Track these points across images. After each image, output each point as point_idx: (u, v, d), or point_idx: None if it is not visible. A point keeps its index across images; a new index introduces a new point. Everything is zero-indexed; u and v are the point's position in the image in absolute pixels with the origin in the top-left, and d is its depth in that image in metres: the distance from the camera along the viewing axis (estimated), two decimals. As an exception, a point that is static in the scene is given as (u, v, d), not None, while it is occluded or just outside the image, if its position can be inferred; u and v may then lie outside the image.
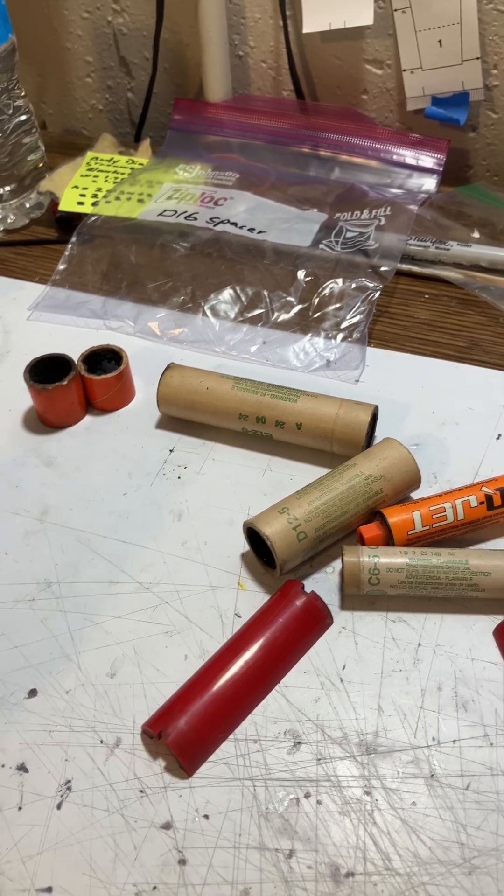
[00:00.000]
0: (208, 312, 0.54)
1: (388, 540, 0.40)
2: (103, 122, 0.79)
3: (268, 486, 0.44)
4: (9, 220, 0.64)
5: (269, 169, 0.66)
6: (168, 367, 0.47)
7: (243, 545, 0.42)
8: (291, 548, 0.38)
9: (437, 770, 0.33)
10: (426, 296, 0.56)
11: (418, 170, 0.65)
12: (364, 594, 0.38)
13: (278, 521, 0.39)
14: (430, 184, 0.64)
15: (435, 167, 0.65)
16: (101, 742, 0.35)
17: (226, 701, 0.35)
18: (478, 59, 0.61)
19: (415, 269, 0.57)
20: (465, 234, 0.59)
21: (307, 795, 0.33)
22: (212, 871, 0.31)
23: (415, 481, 0.41)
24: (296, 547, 0.38)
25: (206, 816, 0.33)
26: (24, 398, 0.50)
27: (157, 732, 0.34)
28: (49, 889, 0.31)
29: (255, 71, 0.71)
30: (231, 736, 0.35)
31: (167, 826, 0.32)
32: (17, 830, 0.33)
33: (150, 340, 0.53)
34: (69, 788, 0.34)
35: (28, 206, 0.64)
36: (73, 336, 0.54)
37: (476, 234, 0.60)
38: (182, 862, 0.32)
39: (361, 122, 0.67)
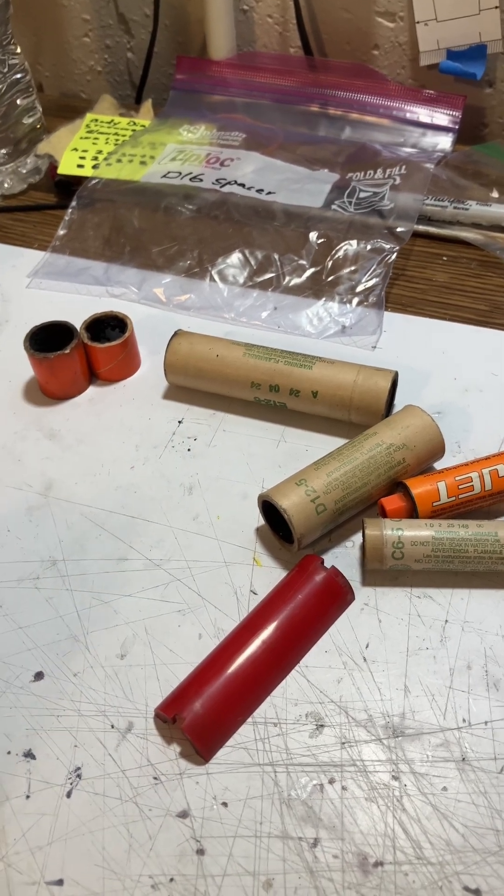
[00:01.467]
0: (216, 277, 0.51)
1: (412, 512, 0.37)
2: (102, 84, 0.76)
3: (282, 457, 0.42)
4: (5, 186, 0.61)
5: (277, 129, 0.63)
6: (175, 333, 0.44)
7: (258, 519, 0.40)
8: (310, 521, 0.36)
9: (468, 753, 0.32)
10: (444, 258, 0.53)
11: (433, 128, 0.62)
12: (387, 569, 0.36)
13: (296, 493, 0.37)
14: (445, 142, 0.62)
15: (450, 125, 0.62)
16: (112, 727, 0.33)
17: (243, 682, 0.33)
18: (496, 7, 0.58)
19: (432, 230, 0.54)
20: (483, 194, 0.57)
21: (331, 781, 0.31)
22: (232, 862, 0.30)
23: (439, 450, 0.39)
24: (314, 520, 0.36)
25: (225, 804, 0.31)
26: (24, 369, 0.48)
27: (171, 716, 0.32)
28: (60, 882, 0.29)
29: (260, 26, 0.67)
30: (249, 719, 0.33)
31: (184, 814, 0.31)
32: (25, 820, 0.31)
33: (155, 307, 0.51)
34: (79, 776, 0.32)
35: (25, 170, 0.62)
36: (75, 304, 0.52)
37: (495, 194, 0.57)
38: (200, 852, 0.30)
39: (373, 79, 0.64)
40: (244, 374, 0.43)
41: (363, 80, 0.64)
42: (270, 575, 0.38)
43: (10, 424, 0.45)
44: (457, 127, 0.62)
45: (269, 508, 0.38)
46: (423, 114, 0.63)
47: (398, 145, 0.62)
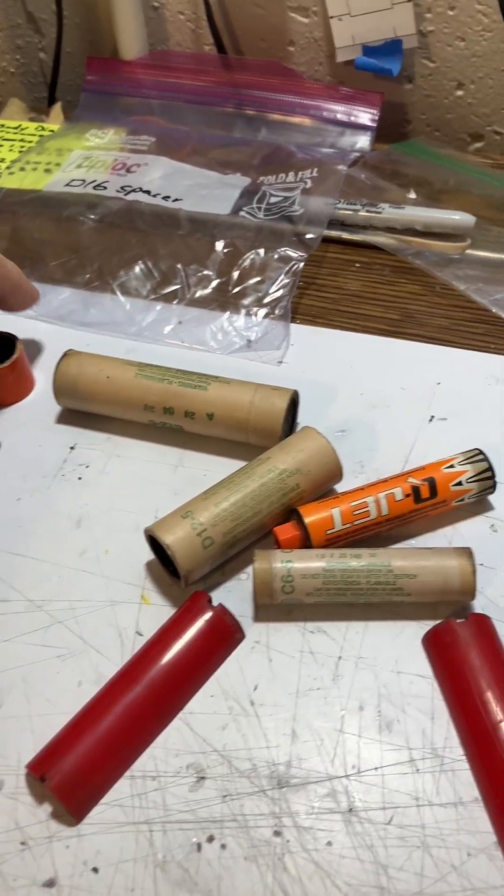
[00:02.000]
0: (117, 291, 0.49)
1: (306, 541, 0.36)
2: (16, 86, 0.73)
3: (180, 483, 0.40)
4: None
5: (191, 131, 0.61)
6: (64, 354, 0.42)
7: (149, 552, 0.37)
8: (196, 556, 0.34)
9: (356, 803, 0.30)
10: (357, 265, 0.51)
11: (351, 126, 0.60)
12: (279, 603, 0.35)
13: (181, 526, 0.35)
14: (363, 141, 0.60)
15: (369, 123, 0.60)
16: (-19, 787, 0.31)
17: (120, 734, 0.31)
18: (409, 1, 0.56)
19: (344, 235, 0.52)
20: (400, 196, 0.55)
21: (210, 839, 0.29)
22: (100, 935, 0.28)
23: (335, 474, 0.37)
24: (201, 555, 0.34)
25: (95, 869, 0.29)
26: None
27: (39, 775, 0.30)
28: None
29: (172, 24, 0.65)
30: (127, 773, 0.31)
31: (50, 884, 0.29)
32: None
33: (54, 324, 0.49)
34: None
35: None
36: (-29, 322, 0.49)
37: (412, 195, 0.55)
38: (67, 925, 0.28)
39: (289, 77, 0.62)
40: (136, 396, 0.40)
41: (279, 78, 0.62)
42: (159, 613, 0.35)
43: None
44: (375, 125, 0.60)
45: (157, 543, 0.36)
46: (340, 112, 0.61)
47: (316, 145, 0.59)
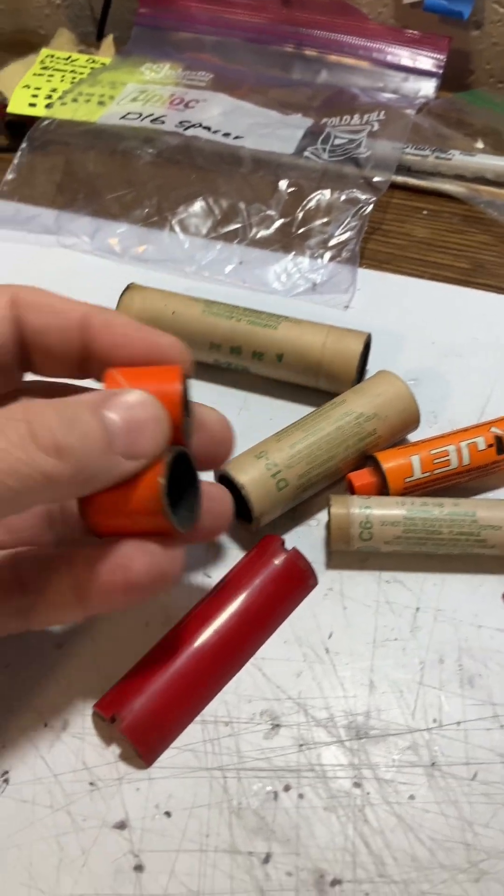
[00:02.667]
0: (176, 227, 0.47)
1: (382, 488, 0.34)
2: (61, 19, 0.70)
3: (243, 427, 0.38)
4: (-49, 125, 0.56)
5: (247, 71, 0.59)
6: (127, 287, 0.40)
7: (214, 494, 0.36)
8: (270, 497, 0.33)
9: (438, 758, 0.29)
10: (424, 212, 0.49)
11: (415, 72, 0.58)
12: (354, 550, 0.33)
13: (255, 467, 0.33)
14: (427, 88, 0.57)
15: (434, 69, 0.58)
16: (45, 725, 0.30)
17: (192, 677, 0.30)
18: None
19: (411, 181, 0.50)
20: (467, 145, 0.53)
21: (287, 788, 0.28)
22: (174, 880, 0.26)
23: (413, 421, 0.35)
24: (275, 497, 0.33)
25: (168, 814, 0.28)
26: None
27: (108, 716, 0.28)
28: (-21, 903, 0.26)
29: (231, -44, 0.62)
30: (198, 718, 0.30)
31: (121, 825, 0.27)
32: None
33: (109, 259, 0.47)
34: (6, 780, 0.28)
35: (-27, 109, 0.57)
36: (23, 254, 0.47)
37: (479, 144, 0.53)
38: (139, 868, 0.27)
39: (352, 17, 0.59)
40: (202, 334, 0.39)
41: (342, 18, 0.59)
42: (227, 557, 0.34)
43: None
44: (441, 72, 0.57)
45: (227, 484, 0.35)
46: (405, 56, 0.58)
47: (378, 90, 0.57)
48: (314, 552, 0.34)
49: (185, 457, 0.27)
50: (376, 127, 0.51)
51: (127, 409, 0.24)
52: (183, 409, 0.26)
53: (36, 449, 0.22)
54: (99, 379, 0.28)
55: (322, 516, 0.35)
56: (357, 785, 0.28)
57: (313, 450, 0.34)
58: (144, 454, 0.24)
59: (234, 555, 0.34)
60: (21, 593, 0.26)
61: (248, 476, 0.33)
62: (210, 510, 0.29)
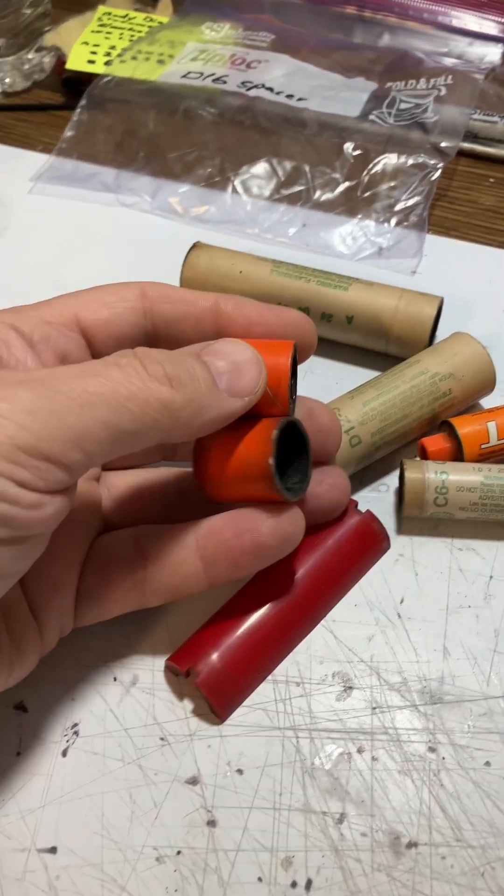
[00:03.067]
0: (239, 188, 0.46)
1: (457, 454, 0.33)
2: (116, -22, 0.69)
3: (310, 390, 0.37)
4: (6, 82, 0.55)
5: (307, 32, 0.57)
6: (194, 246, 0.40)
7: (281, 456, 0.35)
8: (343, 454, 0.32)
9: (515, 725, 0.28)
10: (491, 179, 0.48)
11: (480, 37, 0.56)
12: (427, 517, 0.32)
13: None
14: (494, 54, 0.56)
15: (500, 34, 0.56)
16: (115, 679, 0.29)
17: (265, 634, 0.29)
18: None
19: (478, 148, 0.49)
20: (534, 113, 0.51)
21: (360, 750, 0.28)
22: (247, 836, 0.26)
23: (489, 383, 0.35)
24: (347, 453, 0.32)
25: (240, 771, 0.27)
26: (25, 281, 0.43)
27: (184, 669, 0.28)
28: (53, 849, 0.26)
29: None
30: (270, 677, 0.29)
31: (193, 781, 0.27)
32: (16, 780, 0.27)
33: (169, 219, 0.46)
34: (76, 733, 0.28)
35: (28, 66, 0.56)
36: (82, 212, 0.47)
37: (547, 113, 0.51)
38: (211, 823, 0.26)
39: (417, -21, 0.58)
40: (270, 294, 0.38)
41: (407, -20, 0.58)
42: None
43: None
44: (507, 37, 0.56)
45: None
46: (470, 21, 0.57)
47: (442, 55, 0.56)
48: (384, 518, 0.33)
49: (295, 426, 0.27)
50: (443, 92, 0.50)
51: (225, 354, 0.25)
52: (289, 382, 0.27)
53: (150, 378, 0.23)
54: None
55: (392, 481, 0.35)
56: (432, 749, 0.28)
57: (387, 407, 0.33)
58: (246, 392, 0.25)
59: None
60: (143, 567, 0.27)
61: None
62: (333, 487, 0.30)
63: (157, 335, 0.28)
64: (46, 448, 0.21)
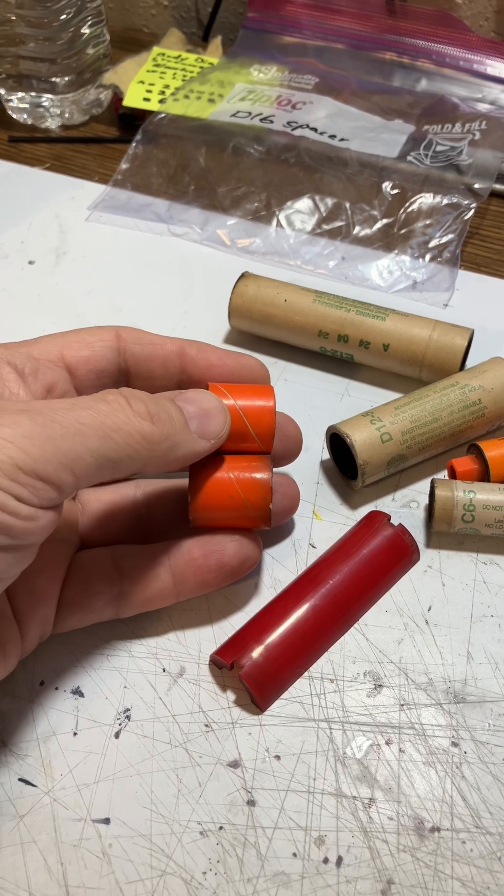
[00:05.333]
0: (283, 222, 0.49)
1: (484, 475, 0.36)
2: (167, 19, 0.73)
3: (346, 411, 0.41)
4: (65, 116, 0.59)
5: (349, 76, 0.61)
6: (242, 275, 0.43)
7: (318, 473, 0.38)
8: (374, 449, 0.35)
9: (532, 725, 0.30)
10: (521, 219, 0.51)
11: (513, 85, 0.60)
12: (454, 532, 0.35)
13: (361, 422, 0.36)
14: (525, 101, 0.59)
15: (532, 83, 0.59)
16: (164, 670, 0.32)
17: (303, 634, 0.32)
18: None
19: (509, 189, 0.52)
20: None
21: (388, 742, 0.30)
22: (283, 815, 0.29)
23: (517, 405, 0.37)
24: (378, 448, 0.35)
25: (278, 757, 0.30)
26: (80, 300, 0.46)
27: (229, 662, 0.31)
28: (107, 820, 0.29)
29: (339, -34, 0.64)
30: (305, 673, 0.32)
31: (235, 764, 0.30)
32: (72, 757, 0.30)
33: (217, 249, 0.49)
34: (128, 717, 0.31)
35: (86, 102, 0.60)
36: (135, 240, 0.50)
37: None
38: (251, 803, 0.29)
39: (454, 29, 0.61)
40: (313, 322, 0.41)
41: (445, 29, 0.61)
42: (330, 530, 0.36)
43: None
44: (539, 85, 0.59)
45: (336, 450, 0.37)
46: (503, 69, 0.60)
47: (476, 100, 0.59)
48: (414, 532, 0.36)
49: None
50: (478, 136, 0.53)
51: (195, 401, 0.30)
52: (274, 422, 0.32)
53: (134, 413, 0.26)
54: None
55: (421, 499, 0.37)
56: (455, 744, 0.30)
57: (418, 411, 0.36)
58: (213, 435, 0.29)
59: (336, 529, 0.36)
60: (120, 582, 0.31)
61: (354, 429, 0.35)
62: (285, 495, 0.34)
63: (129, 372, 0.32)
64: (42, 469, 0.24)
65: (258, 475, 0.31)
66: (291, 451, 0.35)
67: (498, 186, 0.52)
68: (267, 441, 0.32)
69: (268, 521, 0.31)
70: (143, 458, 0.27)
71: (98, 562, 0.32)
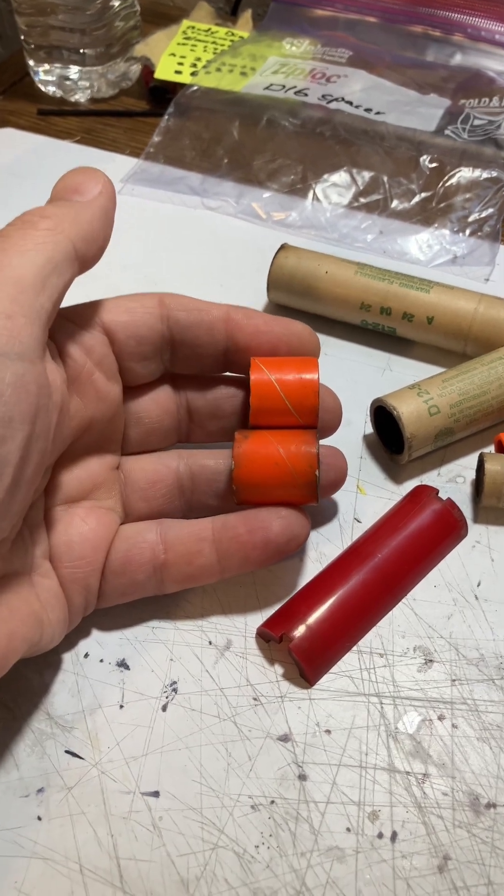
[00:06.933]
0: (320, 195, 0.49)
1: (533, 449, 0.35)
2: (195, -7, 0.72)
3: (387, 385, 0.40)
4: (94, 88, 0.58)
5: (382, 50, 0.60)
6: (281, 247, 0.42)
7: (362, 448, 0.38)
8: (421, 421, 0.34)
9: None
10: None
11: (550, 59, 0.58)
12: (503, 507, 0.34)
13: (408, 395, 0.35)
14: None
15: None
16: (210, 643, 0.32)
17: (352, 607, 0.31)
18: None
19: (549, 164, 0.51)
20: None
21: (441, 718, 0.30)
22: (336, 790, 0.28)
23: None
24: (426, 422, 0.34)
25: (329, 731, 0.29)
26: (111, 275, 0.46)
27: (278, 635, 0.30)
28: (156, 793, 0.28)
29: None
30: (354, 648, 0.31)
31: (285, 738, 0.29)
32: (119, 730, 0.30)
33: (252, 223, 0.48)
34: (175, 690, 0.30)
35: (115, 75, 0.59)
36: (169, 213, 0.49)
37: None
38: (302, 777, 0.28)
39: (490, 1, 0.60)
40: (355, 294, 0.40)
41: (480, 1, 0.60)
42: (374, 505, 0.36)
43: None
44: None
45: (380, 424, 0.37)
46: (541, 43, 0.59)
47: (512, 75, 0.58)
48: (461, 507, 0.35)
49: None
50: (516, 109, 0.52)
51: (63, 182, 0.30)
52: (318, 395, 0.31)
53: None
54: (238, 371, 0.33)
55: (468, 474, 0.37)
56: (509, 721, 0.29)
57: (465, 384, 0.35)
58: (94, 190, 0.30)
59: (381, 504, 0.36)
60: (164, 555, 0.31)
61: (401, 401, 0.35)
62: (332, 466, 0.33)
63: (173, 339, 0.31)
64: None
65: (304, 447, 0.30)
66: (330, 423, 0.33)
67: (537, 161, 0.51)
68: (311, 415, 0.31)
69: (315, 496, 0.30)
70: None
71: (142, 534, 0.31)
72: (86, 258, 0.28)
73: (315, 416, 0.31)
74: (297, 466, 0.30)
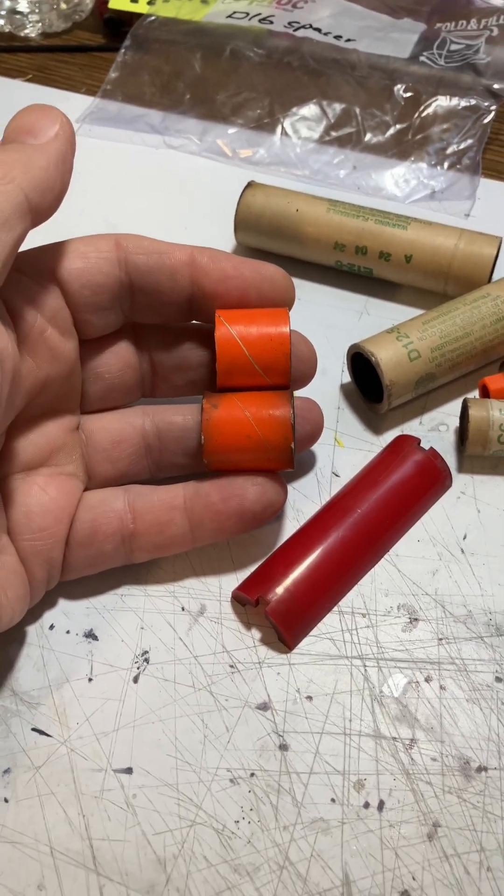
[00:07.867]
0: (288, 130, 0.46)
1: (519, 393, 0.33)
2: None
3: (365, 330, 0.38)
4: (46, 22, 0.54)
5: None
6: (248, 185, 0.39)
7: (339, 398, 0.35)
8: (402, 368, 0.32)
9: None
10: (544, 122, 0.47)
11: (530, -21, 0.55)
12: (489, 455, 0.33)
13: (386, 339, 0.33)
14: (543, -4, 0.54)
15: (550, -24, 0.55)
16: (183, 609, 0.30)
17: (331, 565, 0.29)
18: None
19: (531, 90, 0.48)
20: None
21: (428, 679, 0.28)
22: (319, 759, 0.27)
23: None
24: (406, 367, 0.32)
25: (310, 698, 0.28)
26: (73, 218, 0.43)
27: (253, 598, 0.28)
28: (129, 770, 0.27)
29: None
30: (335, 608, 0.30)
31: (264, 707, 0.28)
32: (89, 704, 0.28)
33: (217, 161, 0.45)
34: (146, 660, 0.29)
35: (66, 6, 0.55)
36: (129, 154, 0.46)
37: None
38: (283, 747, 0.27)
39: None
40: (328, 234, 0.38)
41: None
42: (353, 457, 0.34)
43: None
44: None
45: (358, 371, 0.35)
46: (519, -39, 0.55)
47: (490, -4, 0.54)
48: (445, 457, 0.33)
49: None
50: (495, 32, 0.49)
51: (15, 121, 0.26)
52: (290, 352, 0.28)
53: None
54: (203, 321, 0.30)
55: (451, 421, 0.35)
56: (499, 679, 0.28)
57: (448, 325, 0.33)
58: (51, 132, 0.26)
59: (360, 456, 0.34)
60: (133, 523, 0.29)
61: (379, 346, 0.32)
62: (307, 420, 0.31)
63: (132, 285, 0.28)
64: None
65: (277, 412, 0.28)
66: (305, 373, 0.31)
67: (518, 87, 0.48)
68: (283, 375, 0.29)
69: (290, 462, 0.28)
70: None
71: (109, 503, 0.29)
72: (40, 210, 0.24)
73: (287, 376, 0.29)
74: (269, 436, 0.28)
